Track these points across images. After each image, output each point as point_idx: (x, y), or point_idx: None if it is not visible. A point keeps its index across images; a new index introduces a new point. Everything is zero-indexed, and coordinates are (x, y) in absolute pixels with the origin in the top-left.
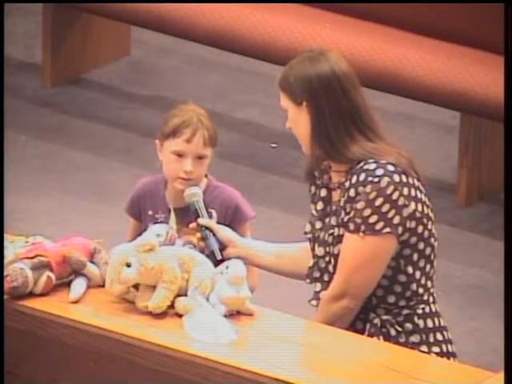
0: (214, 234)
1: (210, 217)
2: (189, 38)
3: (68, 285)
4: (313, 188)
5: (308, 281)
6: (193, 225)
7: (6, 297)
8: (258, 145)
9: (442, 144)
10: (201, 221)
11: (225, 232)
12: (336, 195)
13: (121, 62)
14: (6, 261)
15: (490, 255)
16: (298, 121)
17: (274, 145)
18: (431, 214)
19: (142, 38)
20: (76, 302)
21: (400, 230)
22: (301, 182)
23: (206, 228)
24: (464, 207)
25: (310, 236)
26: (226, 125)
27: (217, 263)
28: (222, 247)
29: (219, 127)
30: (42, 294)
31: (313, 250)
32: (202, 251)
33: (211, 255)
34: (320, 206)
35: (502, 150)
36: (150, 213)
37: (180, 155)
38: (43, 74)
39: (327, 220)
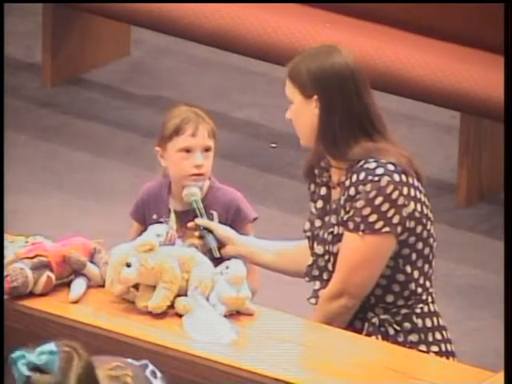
0: (212, 233)
1: (212, 218)
2: (189, 38)
3: (68, 285)
4: (312, 186)
5: (307, 279)
6: (191, 224)
7: (6, 297)
8: (258, 145)
9: (441, 144)
10: (198, 220)
11: (223, 230)
12: (336, 193)
13: (121, 62)
14: (5, 261)
15: (490, 255)
16: (303, 113)
17: (273, 145)
18: (430, 215)
19: (142, 38)
20: (76, 302)
21: (399, 229)
22: (301, 182)
23: (205, 228)
24: (464, 207)
25: (308, 234)
26: (226, 125)
27: (215, 261)
28: (221, 245)
29: (219, 127)
30: (42, 294)
31: (312, 248)
32: (203, 252)
33: (209, 253)
34: (320, 204)
35: (502, 150)
36: (155, 217)
37: (188, 151)
38: (43, 74)
39: (327, 218)
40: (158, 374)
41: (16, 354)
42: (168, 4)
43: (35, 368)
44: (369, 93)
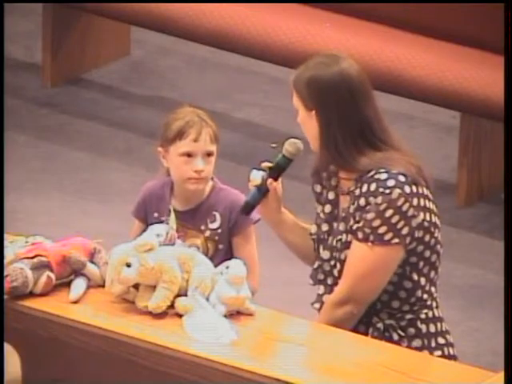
0: (261, 191)
1: (214, 220)
2: (189, 38)
3: (68, 285)
4: (318, 187)
5: (311, 282)
6: (265, 164)
7: (5, 297)
8: (258, 145)
9: (441, 144)
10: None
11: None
12: (344, 201)
13: (121, 62)
14: (5, 261)
15: (490, 255)
16: (308, 125)
17: (274, 145)
18: (438, 222)
19: (142, 38)
20: (76, 302)
21: (408, 240)
22: (301, 183)
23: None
24: (464, 207)
25: (314, 237)
26: (226, 125)
27: (219, 261)
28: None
29: (219, 127)
30: (42, 294)
31: (317, 251)
32: (205, 253)
33: (243, 207)
34: (328, 208)
35: (502, 150)
36: (156, 215)
37: (189, 155)
38: (43, 74)
39: (335, 225)
40: None
41: None
42: (168, 4)
43: None
44: (371, 103)
